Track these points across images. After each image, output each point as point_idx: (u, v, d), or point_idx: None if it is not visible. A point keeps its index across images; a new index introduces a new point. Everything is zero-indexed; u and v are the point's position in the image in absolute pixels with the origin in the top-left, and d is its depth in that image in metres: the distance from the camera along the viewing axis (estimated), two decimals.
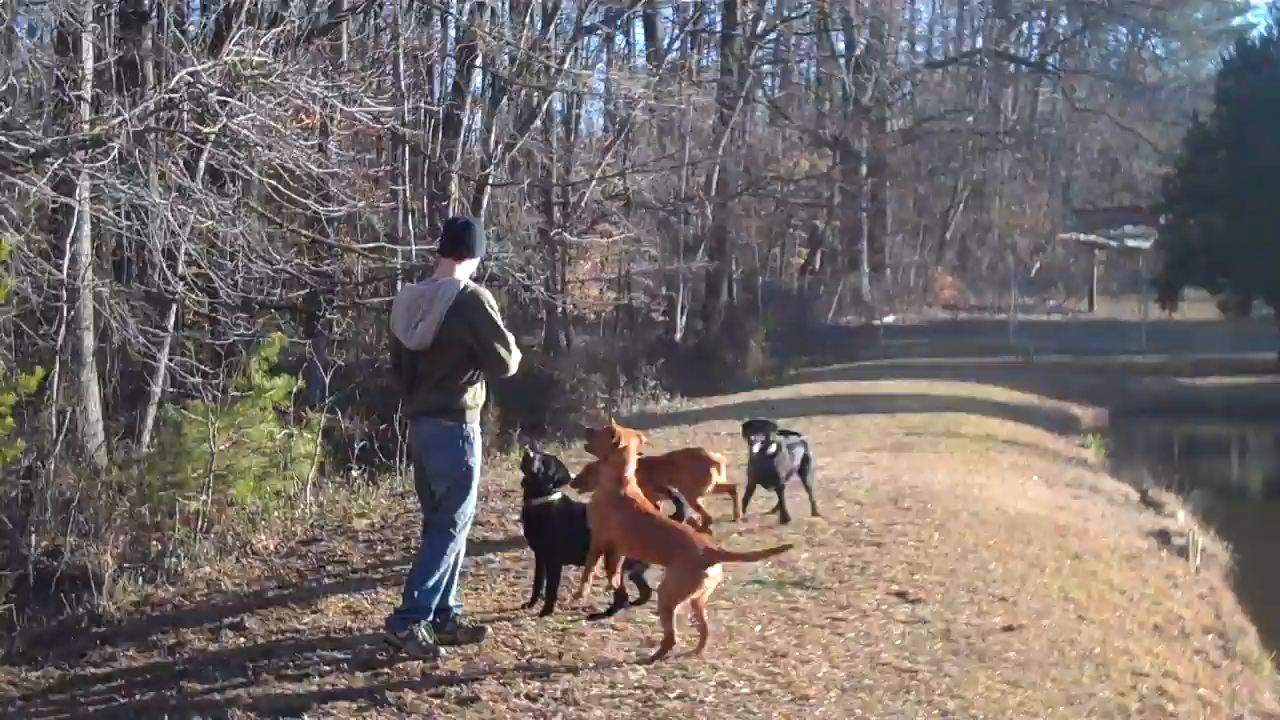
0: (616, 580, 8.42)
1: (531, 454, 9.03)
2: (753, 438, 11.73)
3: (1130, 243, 57.04)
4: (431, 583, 8.14)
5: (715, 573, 7.89)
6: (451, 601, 8.48)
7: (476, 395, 8.27)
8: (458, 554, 8.40)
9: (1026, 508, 14.44)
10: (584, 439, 9.18)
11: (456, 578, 8.59)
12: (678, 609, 7.84)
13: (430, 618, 8.20)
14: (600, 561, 8.32)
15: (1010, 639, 8.77)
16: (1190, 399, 35.78)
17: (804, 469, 12.22)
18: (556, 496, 8.95)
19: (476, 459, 8.28)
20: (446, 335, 8.10)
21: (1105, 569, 11.93)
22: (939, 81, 57.92)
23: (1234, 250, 41.41)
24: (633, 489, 8.25)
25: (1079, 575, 11.30)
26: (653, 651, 7.93)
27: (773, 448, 11.74)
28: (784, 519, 11.75)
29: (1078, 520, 14.52)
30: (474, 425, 8.29)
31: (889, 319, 50.82)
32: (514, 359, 8.19)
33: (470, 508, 8.34)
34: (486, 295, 8.28)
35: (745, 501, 11.84)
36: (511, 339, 8.20)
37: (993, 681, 7.87)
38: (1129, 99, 56.71)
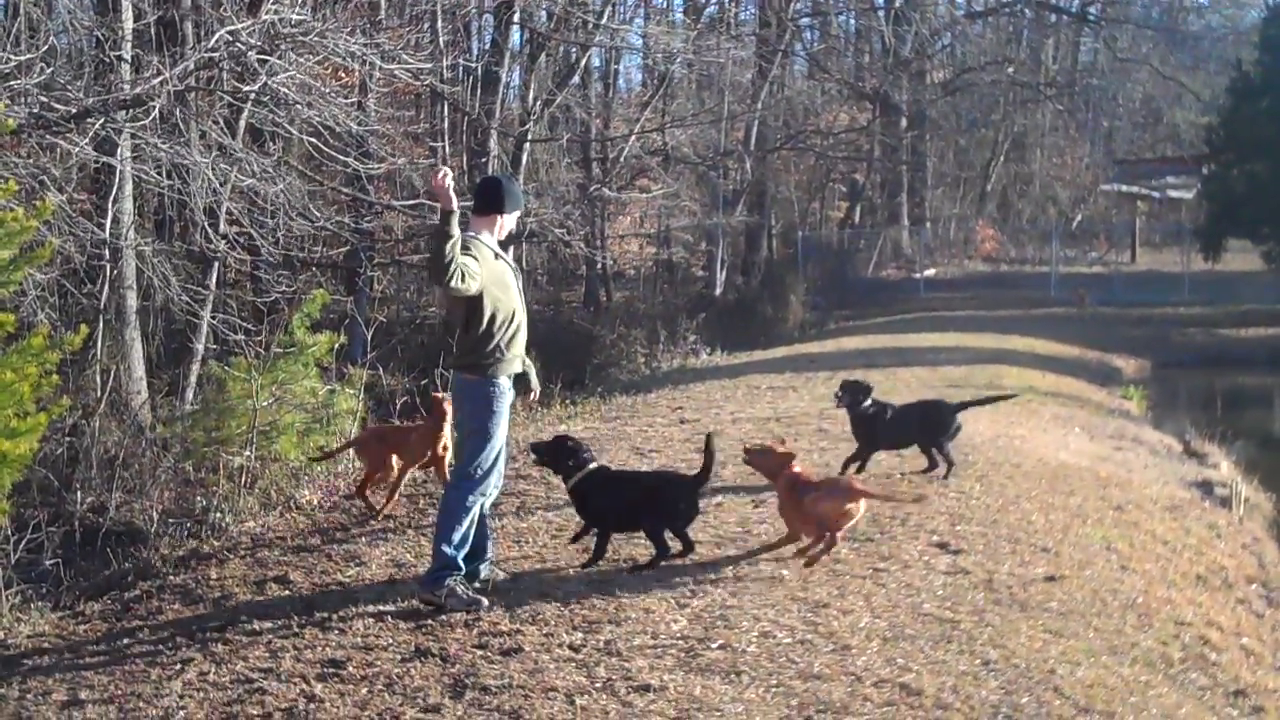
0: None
1: (534, 452, 9.38)
2: (838, 394, 11.99)
3: (1173, 193, 56.45)
4: (457, 536, 8.14)
5: None
6: (489, 554, 8.55)
7: (498, 350, 8.13)
8: (483, 509, 8.45)
9: (1068, 459, 14.39)
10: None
11: (489, 533, 8.65)
12: None
13: (461, 571, 8.22)
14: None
15: (1052, 589, 8.76)
16: (1233, 350, 35.53)
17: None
18: (593, 466, 9.03)
19: (498, 414, 8.18)
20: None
21: (1147, 519, 11.87)
22: (979, 32, 57.13)
23: (1278, 200, 40.92)
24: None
25: (1121, 526, 11.26)
26: None
27: (872, 409, 11.79)
28: (932, 467, 11.87)
29: (1120, 471, 14.45)
30: (500, 380, 8.17)
31: (929, 272, 50.54)
32: (437, 272, 8.02)
33: (490, 459, 8.20)
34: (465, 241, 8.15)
35: (863, 464, 11.81)
36: (448, 269, 7.92)
37: (1035, 631, 7.87)
38: (1171, 48, 55.93)
